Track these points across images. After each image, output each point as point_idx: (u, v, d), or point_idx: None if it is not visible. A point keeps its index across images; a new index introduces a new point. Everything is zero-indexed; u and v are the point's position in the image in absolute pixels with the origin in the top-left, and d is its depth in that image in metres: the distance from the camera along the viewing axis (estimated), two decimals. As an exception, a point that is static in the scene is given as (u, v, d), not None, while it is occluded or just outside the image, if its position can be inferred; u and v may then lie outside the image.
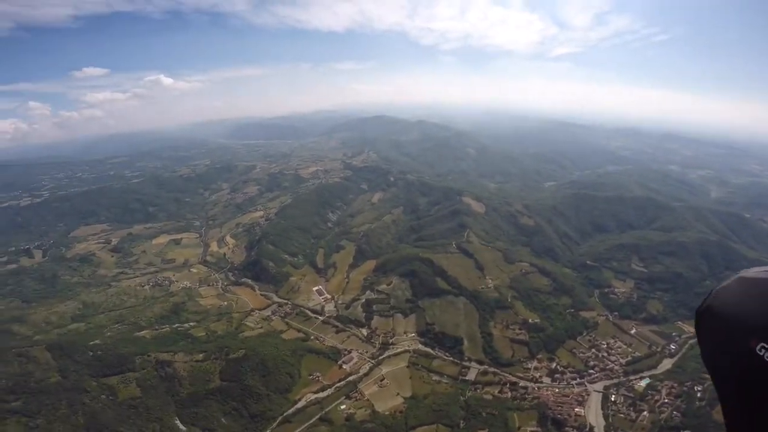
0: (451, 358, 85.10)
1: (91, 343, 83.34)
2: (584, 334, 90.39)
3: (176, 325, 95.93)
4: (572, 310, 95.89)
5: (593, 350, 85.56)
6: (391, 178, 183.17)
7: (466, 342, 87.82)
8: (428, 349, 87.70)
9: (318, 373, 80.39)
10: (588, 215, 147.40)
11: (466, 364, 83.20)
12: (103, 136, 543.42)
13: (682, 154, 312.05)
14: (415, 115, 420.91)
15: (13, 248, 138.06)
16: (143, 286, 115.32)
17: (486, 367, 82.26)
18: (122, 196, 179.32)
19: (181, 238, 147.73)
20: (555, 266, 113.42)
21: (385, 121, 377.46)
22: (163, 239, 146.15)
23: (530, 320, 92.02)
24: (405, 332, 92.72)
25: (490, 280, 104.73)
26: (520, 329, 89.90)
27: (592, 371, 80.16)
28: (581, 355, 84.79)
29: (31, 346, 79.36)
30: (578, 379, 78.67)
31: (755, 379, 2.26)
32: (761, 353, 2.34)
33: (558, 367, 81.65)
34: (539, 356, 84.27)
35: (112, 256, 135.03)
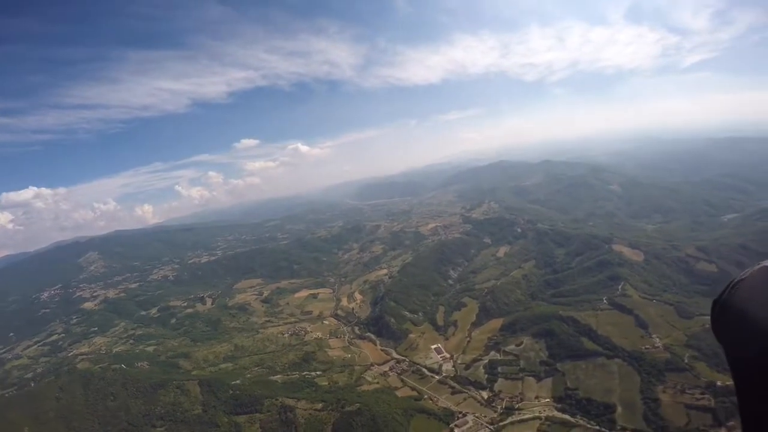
0: (597, 427, 69.82)
1: (233, 382, 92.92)
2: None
3: (305, 372, 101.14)
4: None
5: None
6: (518, 229, 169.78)
7: (620, 408, 72.03)
8: (566, 416, 73.52)
9: None
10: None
11: None
12: (261, 200, 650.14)
13: None
14: (535, 156, 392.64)
15: (192, 296, 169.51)
16: (283, 334, 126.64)
17: None
18: (273, 255, 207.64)
19: (318, 293, 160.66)
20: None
21: (503, 167, 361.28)
22: (303, 293, 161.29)
23: (719, 383, 70.60)
24: (537, 397, 79.56)
25: (657, 339, 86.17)
26: (701, 393, 70.50)
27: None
28: None
29: (187, 380, 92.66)
30: None
31: None
32: None
33: None
34: (730, 423, 63.71)
35: (263, 306, 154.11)
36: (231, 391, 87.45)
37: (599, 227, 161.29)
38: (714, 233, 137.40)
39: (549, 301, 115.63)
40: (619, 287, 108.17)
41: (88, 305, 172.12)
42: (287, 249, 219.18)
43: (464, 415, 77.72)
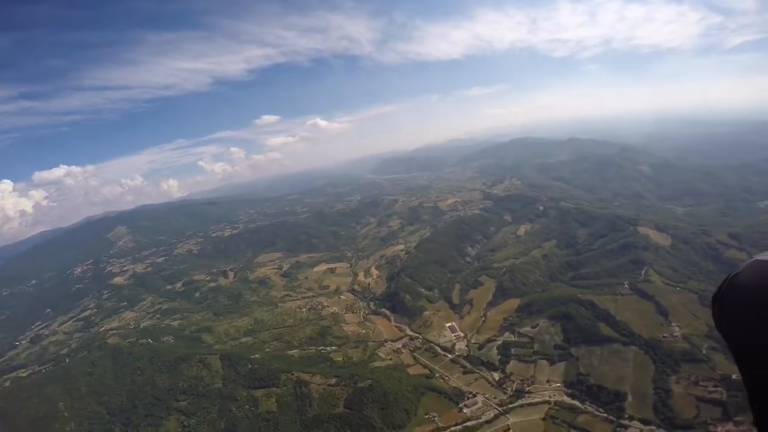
0: (604, 415, 69.94)
1: (252, 356, 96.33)
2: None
3: (321, 347, 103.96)
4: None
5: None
6: (540, 207, 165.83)
7: (630, 398, 71.67)
8: (575, 402, 73.81)
9: (435, 414, 74.99)
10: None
11: (625, 422, 67.71)
12: (283, 175, 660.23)
13: None
14: (562, 134, 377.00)
15: (215, 270, 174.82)
16: (301, 309, 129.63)
17: (653, 427, 65.97)
18: (293, 229, 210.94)
19: (336, 268, 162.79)
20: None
21: (527, 144, 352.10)
22: (321, 268, 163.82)
23: (734, 376, 69.00)
24: (548, 381, 79.83)
25: (677, 328, 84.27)
26: (715, 386, 69.63)
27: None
28: None
29: (209, 354, 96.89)
30: None
31: None
32: None
33: None
34: (738, 418, 63.24)
35: (282, 280, 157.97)
36: (250, 366, 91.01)
37: (626, 208, 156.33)
38: (749, 219, 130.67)
39: (568, 283, 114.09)
40: (642, 272, 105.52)
41: (117, 280, 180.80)
42: (306, 223, 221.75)
43: (474, 396, 78.69)
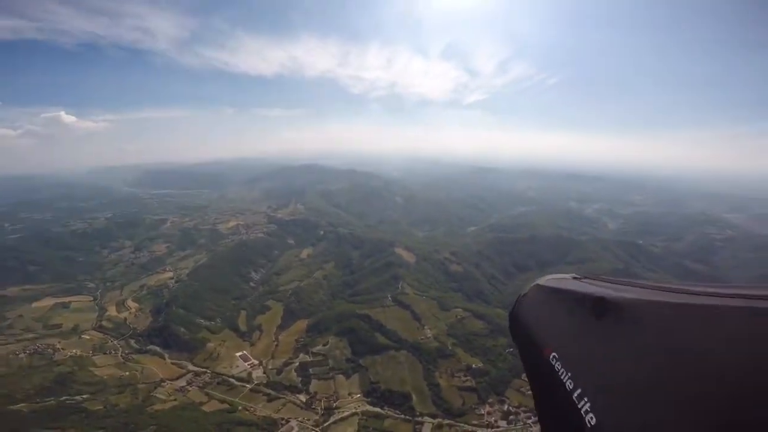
0: (402, 416, 79.41)
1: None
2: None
3: (64, 397, 78.86)
4: (511, 350, 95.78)
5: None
6: (321, 232, 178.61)
7: (414, 396, 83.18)
8: (377, 409, 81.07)
9: None
10: (509, 257, 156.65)
11: (419, 419, 78.42)
12: None
13: (580, 191, 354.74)
14: (345, 163, 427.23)
15: None
16: (18, 354, 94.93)
17: (440, 420, 78.20)
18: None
19: (70, 302, 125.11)
20: (488, 308, 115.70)
21: (314, 170, 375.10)
22: (47, 302, 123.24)
23: (474, 365, 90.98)
24: (350, 394, 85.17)
25: (428, 330, 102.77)
26: (465, 376, 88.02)
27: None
28: (529, 393, 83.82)
29: None
30: (533, 418, 77.44)
31: (551, 385, 2.31)
32: (553, 363, 2.40)
33: (510, 408, 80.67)
34: (490, 400, 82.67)
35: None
36: None
37: (386, 232, 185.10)
38: (462, 241, 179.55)
39: (348, 300, 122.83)
40: (399, 285, 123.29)
41: None
42: (18, 245, 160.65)
43: (287, 421, 76.48)
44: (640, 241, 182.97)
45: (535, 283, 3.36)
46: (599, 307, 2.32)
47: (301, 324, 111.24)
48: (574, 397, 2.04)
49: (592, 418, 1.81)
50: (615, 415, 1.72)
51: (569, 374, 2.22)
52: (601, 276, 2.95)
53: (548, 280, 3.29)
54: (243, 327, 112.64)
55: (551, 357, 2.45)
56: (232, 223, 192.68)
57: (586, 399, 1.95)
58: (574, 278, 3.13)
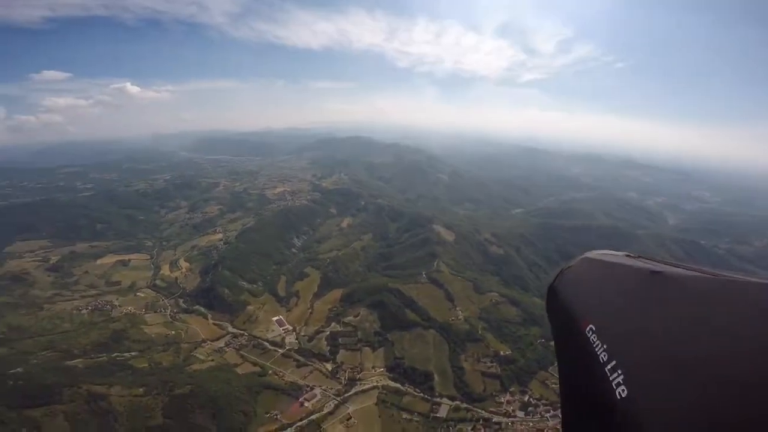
0: (421, 395, 79.92)
1: (12, 371, 72.78)
2: (555, 364, 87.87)
3: (116, 354, 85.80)
4: (542, 341, 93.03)
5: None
6: (362, 203, 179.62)
7: (436, 377, 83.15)
8: (398, 385, 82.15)
9: (276, 412, 72.92)
10: (555, 243, 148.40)
11: (437, 400, 78.57)
12: (60, 142, 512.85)
13: (640, 180, 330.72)
14: (389, 137, 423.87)
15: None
16: (81, 310, 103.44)
17: (458, 403, 78.05)
18: (68, 210, 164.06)
19: (130, 260, 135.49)
20: (524, 296, 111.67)
21: (359, 142, 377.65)
22: (109, 259, 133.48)
23: (501, 352, 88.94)
24: (373, 367, 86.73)
25: (460, 312, 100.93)
26: (491, 362, 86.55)
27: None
28: (554, 386, 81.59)
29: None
30: (552, 412, 75.73)
31: (583, 357, 2.31)
32: (589, 335, 2.39)
33: (531, 399, 78.90)
34: (512, 389, 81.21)
35: (49, 276, 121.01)
36: (11, 382, 68.57)
37: (427, 208, 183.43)
38: (505, 223, 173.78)
39: (382, 272, 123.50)
40: (435, 263, 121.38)
41: None
42: (89, 203, 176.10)
43: (312, 389, 79.40)
44: (703, 241, 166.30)
45: (584, 255, 3.23)
46: (655, 280, 2.28)
47: (336, 293, 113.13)
48: (606, 369, 2.03)
49: (623, 390, 1.82)
50: (648, 388, 1.72)
51: (604, 346, 2.19)
52: (657, 258, 2.77)
53: (599, 254, 3.16)
54: (282, 292, 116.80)
55: (588, 329, 2.44)
56: (278, 189, 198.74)
57: (619, 371, 1.95)
58: (628, 256, 2.99)
